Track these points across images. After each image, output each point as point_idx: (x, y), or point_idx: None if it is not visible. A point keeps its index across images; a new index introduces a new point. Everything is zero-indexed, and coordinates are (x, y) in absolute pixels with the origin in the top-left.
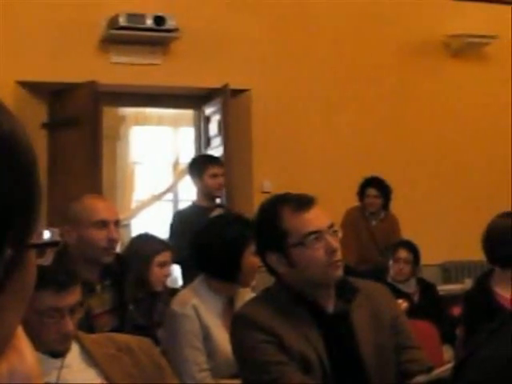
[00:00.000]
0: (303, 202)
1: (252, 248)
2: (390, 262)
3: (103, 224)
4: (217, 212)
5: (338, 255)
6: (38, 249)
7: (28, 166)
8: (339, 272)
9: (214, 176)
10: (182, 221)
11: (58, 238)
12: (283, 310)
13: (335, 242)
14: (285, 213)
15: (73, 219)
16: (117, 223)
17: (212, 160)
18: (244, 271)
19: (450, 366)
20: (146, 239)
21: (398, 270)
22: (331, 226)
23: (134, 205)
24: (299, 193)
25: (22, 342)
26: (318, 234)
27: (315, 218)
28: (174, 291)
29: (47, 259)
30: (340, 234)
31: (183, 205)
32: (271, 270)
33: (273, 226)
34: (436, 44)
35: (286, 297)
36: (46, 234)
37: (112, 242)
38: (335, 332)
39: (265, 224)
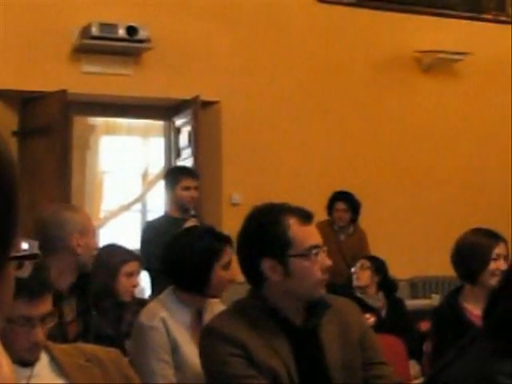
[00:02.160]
0: (307, 215)
1: (222, 261)
2: (352, 270)
3: (94, 232)
4: (190, 222)
5: (327, 274)
6: (16, 261)
7: (8, 179)
8: (323, 291)
9: (187, 188)
10: (153, 231)
11: (36, 251)
12: (253, 323)
13: (329, 261)
14: (291, 222)
15: (81, 228)
16: None
17: (185, 172)
18: (213, 284)
19: (417, 382)
20: (112, 249)
21: (357, 277)
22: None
23: (102, 214)
24: (298, 205)
25: None
26: (318, 249)
27: (316, 233)
28: (142, 301)
29: (25, 271)
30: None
31: (151, 215)
32: (254, 278)
33: (276, 233)
34: (407, 59)
35: (257, 310)
36: (24, 246)
37: (96, 248)
38: (305, 347)
39: (267, 230)
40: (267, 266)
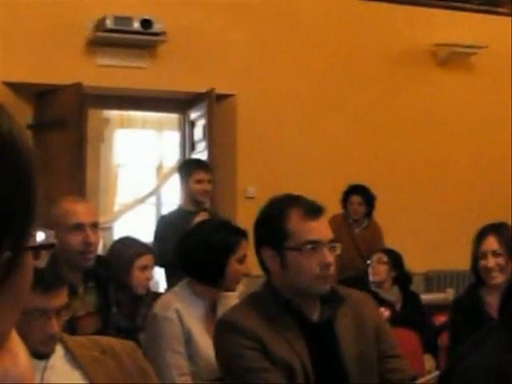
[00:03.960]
0: (313, 210)
1: (238, 255)
2: (369, 262)
3: (79, 227)
4: (201, 216)
5: (331, 270)
6: (33, 251)
7: (27, 167)
8: (327, 287)
9: (200, 181)
10: (167, 224)
11: (53, 240)
12: (269, 316)
13: (331, 257)
14: (292, 215)
15: (52, 223)
16: (95, 225)
17: (199, 165)
18: (228, 277)
19: (433, 375)
20: (126, 243)
21: (373, 272)
22: (332, 240)
23: (116, 207)
24: (311, 199)
25: (15, 343)
26: (316, 245)
27: (319, 229)
28: (156, 295)
29: (42, 261)
30: (338, 251)
31: (166, 208)
32: (264, 267)
33: (277, 223)
34: (423, 53)
35: (272, 303)
36: (40, 236)
37: (88, 245)
38: (319, 340)
39: (269, 219)
40: (267, 255)
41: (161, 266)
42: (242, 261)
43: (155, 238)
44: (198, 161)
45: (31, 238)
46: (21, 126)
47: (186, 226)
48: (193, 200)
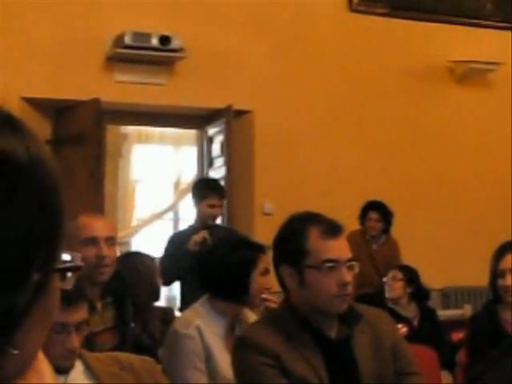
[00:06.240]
0: (332, 229)
1: (259, 269)
2: (385, 279)
3: (92, 241)
4: (200, 234)
5: (349, 289)
6: (60, 273)
7: (54, 190)
8: (345, 305)
9: (212, 206)
10: (173, 241)
11: (79, 263)
12: (286, 333)
13: (349, 276)
14: (312, 233)
15: (67, 238)
16: (110, 240)
17: (213, 190)
18: (252, 293)
19: None
20: (141, 258)
21: (389, 289)
22: (350, 259)
23: (134, 223)
24: (331, 218)
25: (41, 361)
26: (334, 264)
27: (337, 248)
28: (166, 310)
29: (68, 283)
30: (357, 269)
31: (183, 224)
32: (282, 285)
33: (296, 241)
34: (440, 69)
35: (290, 320)
36: (66, 258)
37: (102, 258)
38: (337, 357)
39: (289, 237)
40: (285, 273)
41: (165, 283)
42: (264, 273)
43: (162, 256)
44: (213, 185)
45: (58, 261)
46: (45, 146)
47: (186, 243)
48: (202, 221)
